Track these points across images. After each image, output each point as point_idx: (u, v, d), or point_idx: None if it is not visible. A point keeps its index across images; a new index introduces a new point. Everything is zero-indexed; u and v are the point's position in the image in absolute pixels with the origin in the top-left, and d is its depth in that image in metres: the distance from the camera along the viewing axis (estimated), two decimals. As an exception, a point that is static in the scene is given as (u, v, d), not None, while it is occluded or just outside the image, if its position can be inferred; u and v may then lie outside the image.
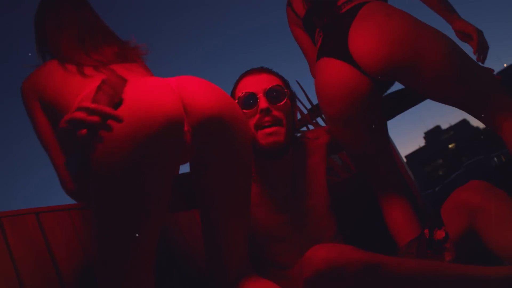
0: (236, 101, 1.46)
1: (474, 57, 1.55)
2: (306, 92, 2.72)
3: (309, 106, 2.71)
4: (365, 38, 1.43)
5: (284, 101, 1.46)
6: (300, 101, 2.64)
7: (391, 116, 1.79)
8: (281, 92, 1.46)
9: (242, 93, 1.46)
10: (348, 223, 1.62)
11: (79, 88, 1.23)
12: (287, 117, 1.46)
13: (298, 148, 1.60)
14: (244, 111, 1.45)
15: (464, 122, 61.27)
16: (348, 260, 1.09)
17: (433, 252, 1.35)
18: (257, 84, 1.47)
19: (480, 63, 1.53)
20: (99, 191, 1.04)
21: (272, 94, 1.45)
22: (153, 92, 1.08)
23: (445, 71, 1.39)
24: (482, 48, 1.57)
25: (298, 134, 1.68)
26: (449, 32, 1.65)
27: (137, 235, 1.05)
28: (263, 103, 1.43)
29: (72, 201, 1.44)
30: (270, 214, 1.48)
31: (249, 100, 1.45)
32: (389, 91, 1.65)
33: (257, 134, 1.43)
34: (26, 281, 1.17)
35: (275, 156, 1.45)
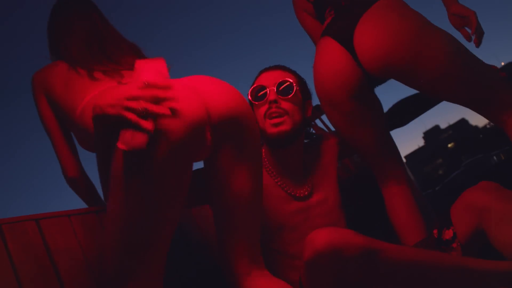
0: (249, 94, 1.59)
1: (469, 45, 1.55)
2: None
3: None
4: (370, 34, 1.45)
5: (292, 94, 1.55)
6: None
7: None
8: (290, 86, 1.56)
9: (255, 86, 1.58)
10: (349, 222, 1.63)
11: (86, 91, 1.27)
12: (296, 109, 1.56)
13: (311, 147, 1.70)
14: (256, 102, 1.56)
15: (463, 121, 61.36)
16: (348, 243, 1.11)
17: (440, 251, 1.36)
18: (270, 79, 1.58)
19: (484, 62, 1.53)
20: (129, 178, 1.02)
21: (281, 87, 1.55)
22: (180, 96, 1.07)
23: (449, 72, 1.41)
24: (479, 32, 1.57)
25: (314, 135, 1.77)
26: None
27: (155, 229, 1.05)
28: (272, 95, 1.54)
29: (72, 207, 1.44)
30: (281, 203, 1.54)
31: (260, 92, 1.56)
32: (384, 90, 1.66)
33: (265, 123, 1.54)
34: (27, 287, 1.16)
35: (281, 145, 1.55)
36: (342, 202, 1.67)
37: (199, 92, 1.14)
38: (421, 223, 1.57)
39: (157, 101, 0.97)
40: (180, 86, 1.12)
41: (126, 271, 1.05)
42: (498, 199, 1.27)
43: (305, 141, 1.70)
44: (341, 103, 1.53)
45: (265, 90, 1.55)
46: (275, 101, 1.52)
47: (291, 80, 1.56)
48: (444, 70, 1.40)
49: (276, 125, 1.51)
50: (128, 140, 0.94)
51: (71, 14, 1.46)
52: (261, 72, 1.64)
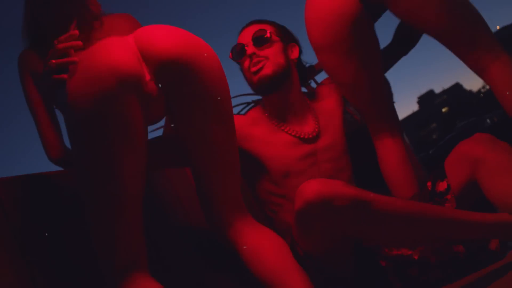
0: (231, 54, 1.64)
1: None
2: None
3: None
4: None
5: (269, 42, 1.60)
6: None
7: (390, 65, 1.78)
8: (264, 34, 1.61)
9: (234, 45, 1.64)
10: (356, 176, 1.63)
11: None
12: (276, 52, 1.60)
13: (314, 93, 1.73)
14: (239, 61, 1.63)
15: (457, 85, 61.20)
16: (337, 194, 1.13)
17: (434, 203, 1.37)
18: (246, 35, 1.63)
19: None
20: (74, 146, 1.12)
21: (257, 39, 1.61)
22: (103, 50, 1.11)
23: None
24: None
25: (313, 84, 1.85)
26: None
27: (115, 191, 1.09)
28: (249, 49, 1.59)
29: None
30: (288, 148, 1.57)
31: (239, 51, 1.63)
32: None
33: (250, 76, 1.60)
34: (27, 246, 1.17)
35: (269, 89, 1.59)
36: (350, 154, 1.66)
37: (135, 41, 1.16)
38: (413, 178, 1.57)
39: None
40: (111, 41, 1.15)
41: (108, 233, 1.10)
42: (492, 150, 1.28)
43: (304, 90, 1.73)
44: (338, 38, 1.48)
45: (243, 46, 1.61)
46: (253, 54, 1.58)
47: (265, 28, 1.61)
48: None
49: (256, 72, 1.57)
50: None
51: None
52: (240, 31, 1.68)
